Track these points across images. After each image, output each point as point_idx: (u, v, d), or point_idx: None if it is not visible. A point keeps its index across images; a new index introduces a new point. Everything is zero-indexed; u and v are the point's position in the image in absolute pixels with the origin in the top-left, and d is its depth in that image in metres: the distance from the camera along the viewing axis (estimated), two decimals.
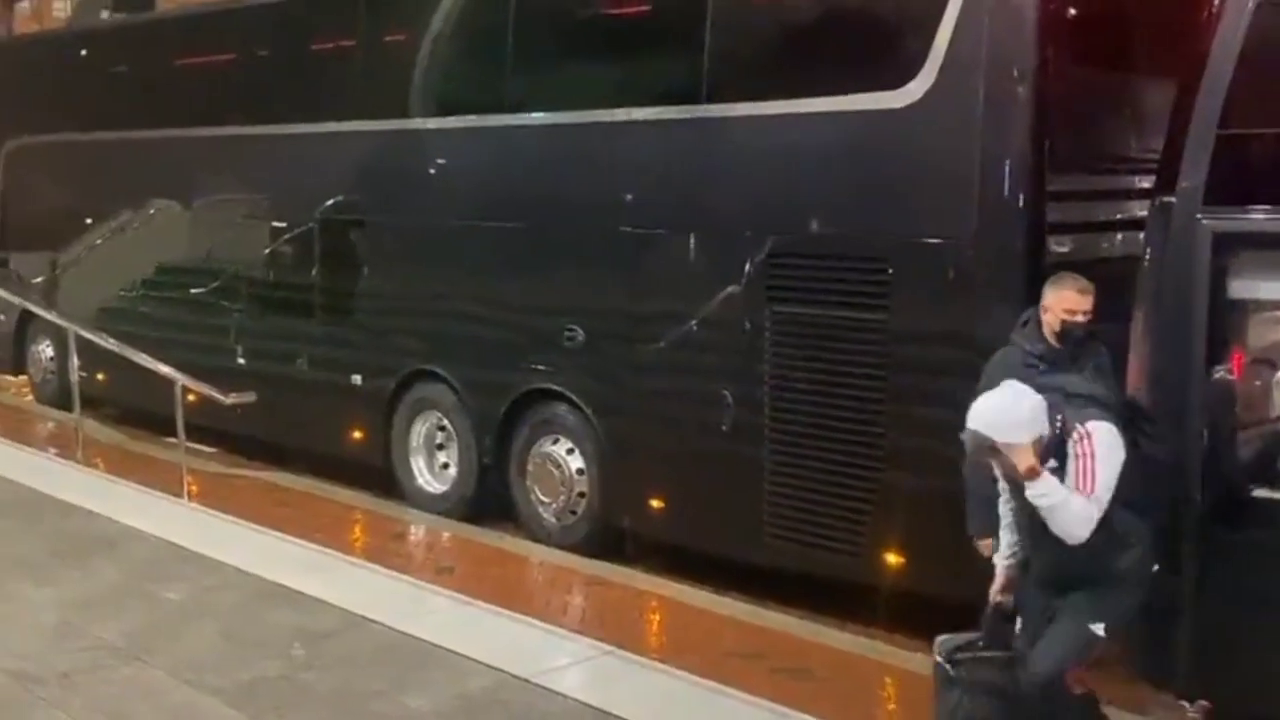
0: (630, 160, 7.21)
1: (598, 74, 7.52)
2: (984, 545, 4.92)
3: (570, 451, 7.69)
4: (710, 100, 6.79)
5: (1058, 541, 4.17)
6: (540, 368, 7.75)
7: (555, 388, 7.67)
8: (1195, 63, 4.93)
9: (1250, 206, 4.86)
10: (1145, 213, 5.31)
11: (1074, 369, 4.65)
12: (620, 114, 7.19)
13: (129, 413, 11.09)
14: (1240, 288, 4.88)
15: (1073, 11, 6.01)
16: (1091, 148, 6.18)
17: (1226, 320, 4.90)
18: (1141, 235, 5.38)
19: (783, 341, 6.47)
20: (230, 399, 8.83)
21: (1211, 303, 4.83)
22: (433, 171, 8.37)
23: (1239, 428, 5.01)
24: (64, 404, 10.70)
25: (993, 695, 4.45)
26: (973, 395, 4.37)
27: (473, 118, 8.17)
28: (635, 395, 7.31)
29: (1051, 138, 5.74)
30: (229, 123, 9.85)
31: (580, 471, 7.66)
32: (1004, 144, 5.74)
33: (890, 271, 6.06)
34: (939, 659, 4.57)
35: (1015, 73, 5.70)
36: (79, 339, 10.00)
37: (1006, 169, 5.73)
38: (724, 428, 6.74)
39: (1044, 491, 4.12)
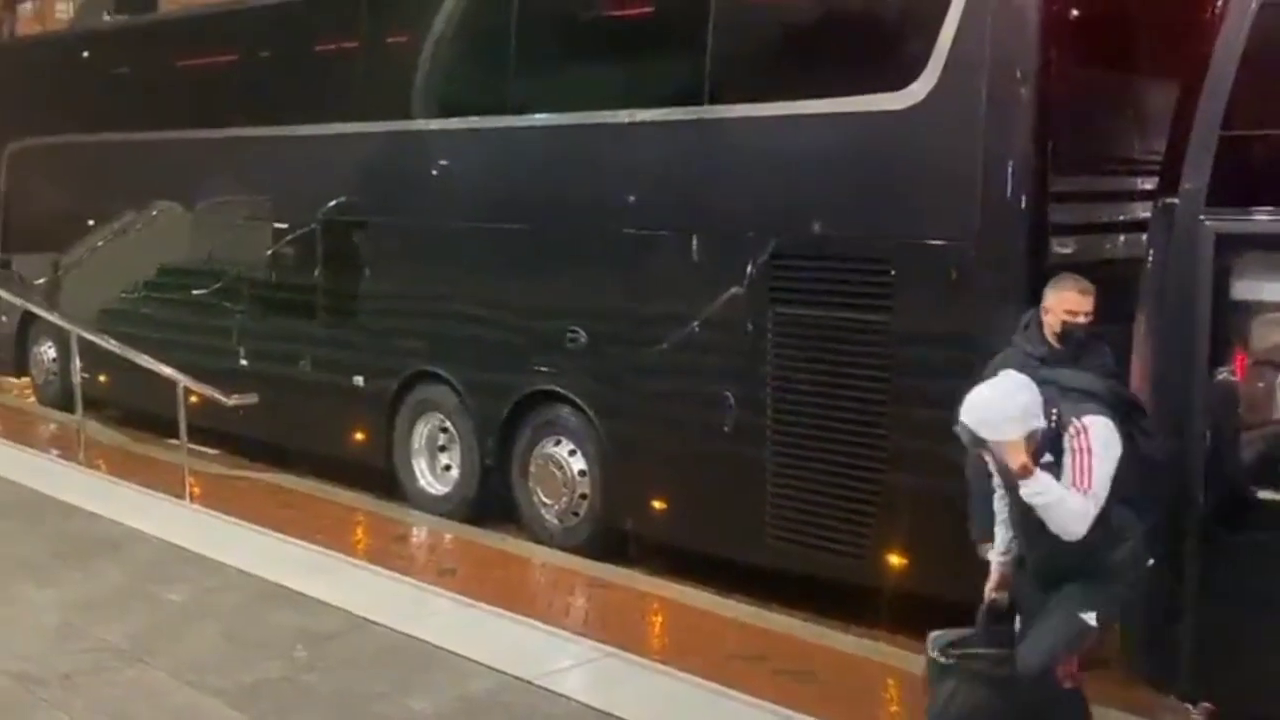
0: (633, 162, 7.21)
1: (600, 75, 7.52)
2: (986, 549, 4.90)
3: (572, 453, 7.69)
4: (713, 102, 6.78)
5: (1053, 537, 4.13)
6: (543, 369, 7.74)
7: (558, 389, 7.67)
8: (1198, 64, 4.93)
9: (1253, 208, 4.86)
10: (1148, 214, 5.31)
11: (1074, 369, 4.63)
12: (623, 115, 7.18)
13: (131, 414, 11.08)
14: (1243, 289, 4.88)
15: (1075, 13, 6.00)
16: (1094, 149, 6.17)
17: (1229, 321, 4.90)
18: (1144, 236, 5.38)
19: (785, 343, 6.47)
20: (232, 400, 8.82)
21: (1214, 304, 4.83)
22: (435, 173, 8.36)
23: (1241, 429, 5.01)
24: (66, 405, 10.69)
25: (986, 685, 4.40)
26: None
27: (475, 119, 8.17)
28: (638, 397, 7.31)
29: (1054, 139, 5.74)
30: (231, 124, 9.84)
31: (582, 473, 7.65)
32: (1007, 145, 5.74)
33: (892, 273, 6.05)
34: (932, 654, 4.54)
35: (1018, 74, 5.69)
36: (81, 340, 10.00)
37: (1009, 170, 5.73)
38: (726, 429, 6.73)
39: (1039, 490, 4.08)
